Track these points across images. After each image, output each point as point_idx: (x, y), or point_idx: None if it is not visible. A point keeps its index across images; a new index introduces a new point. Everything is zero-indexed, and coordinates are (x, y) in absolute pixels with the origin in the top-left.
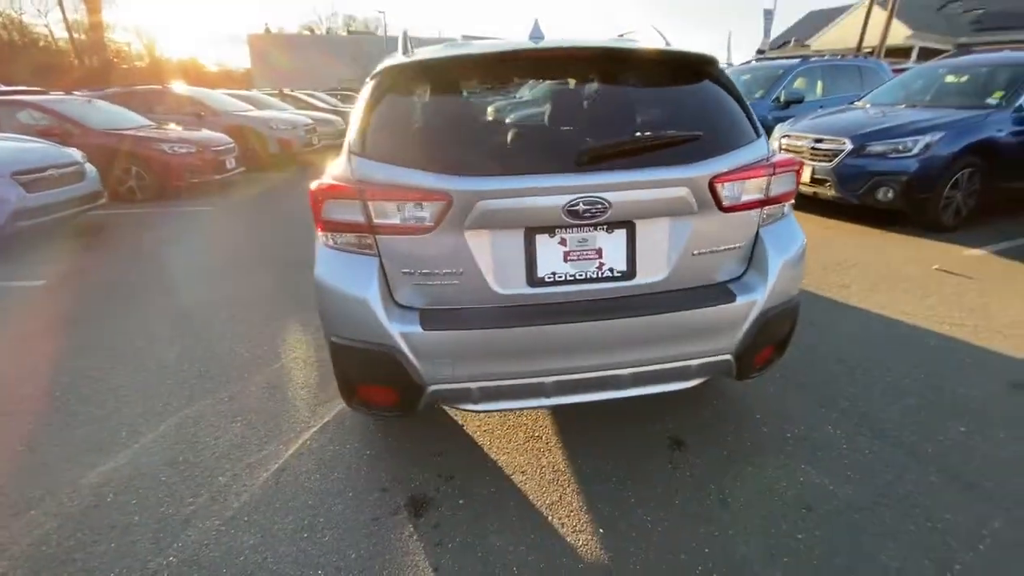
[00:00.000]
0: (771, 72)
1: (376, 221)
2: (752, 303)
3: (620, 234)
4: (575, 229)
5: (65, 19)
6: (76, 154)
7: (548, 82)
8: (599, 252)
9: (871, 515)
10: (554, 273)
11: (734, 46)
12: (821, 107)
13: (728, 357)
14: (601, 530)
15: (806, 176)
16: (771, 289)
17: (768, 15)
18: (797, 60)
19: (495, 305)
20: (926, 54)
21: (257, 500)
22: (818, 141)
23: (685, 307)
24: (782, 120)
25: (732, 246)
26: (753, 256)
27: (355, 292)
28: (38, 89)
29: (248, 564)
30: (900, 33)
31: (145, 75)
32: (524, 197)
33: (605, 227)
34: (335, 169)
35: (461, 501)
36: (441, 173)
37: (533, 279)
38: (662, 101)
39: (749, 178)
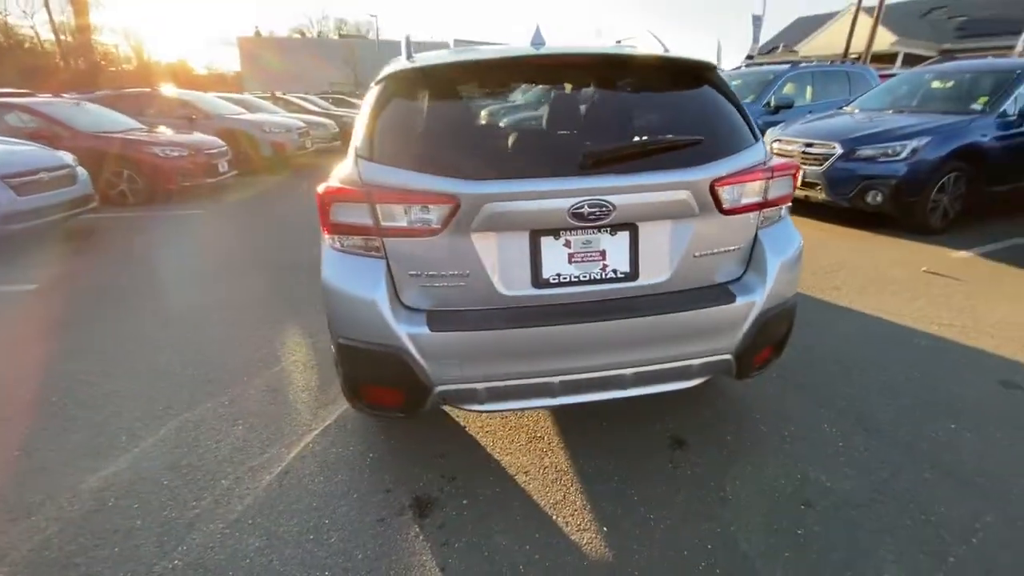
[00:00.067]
0: (761, 77)
1: (384, 224)
2: (752, 304)
3: (623, 236)
4: (579, 231)
5: (52, 20)
6: (67, 157)
7: (552, 87)
8: (603, 254)
9: (868, 511)
10: (559, 274)
11: (723, 52)
12: (810, 112)
13: (728, 357)
14: (605, 528)
15: (797, 180)
16: (770, 290)
17: (757, 21)
18: (787, 65)
19: (501, 306)
20: (911, 60)
21: (261, 503)
22: (809, 145)
23: (687, 308)
24: (772, 125)
25: (732, 248)
26: (752, 258)
27: (363, 294)
28: (25, 91)
29: (254, 567)
30: (885, 39)
31: (133, 78)
32: (530, 200)
33: (609, 229)
34: (342, 173)
35: (465, 501)
36: (449, 176)
37: (538, 280)
38: (663, 106)
39: (748, 181)
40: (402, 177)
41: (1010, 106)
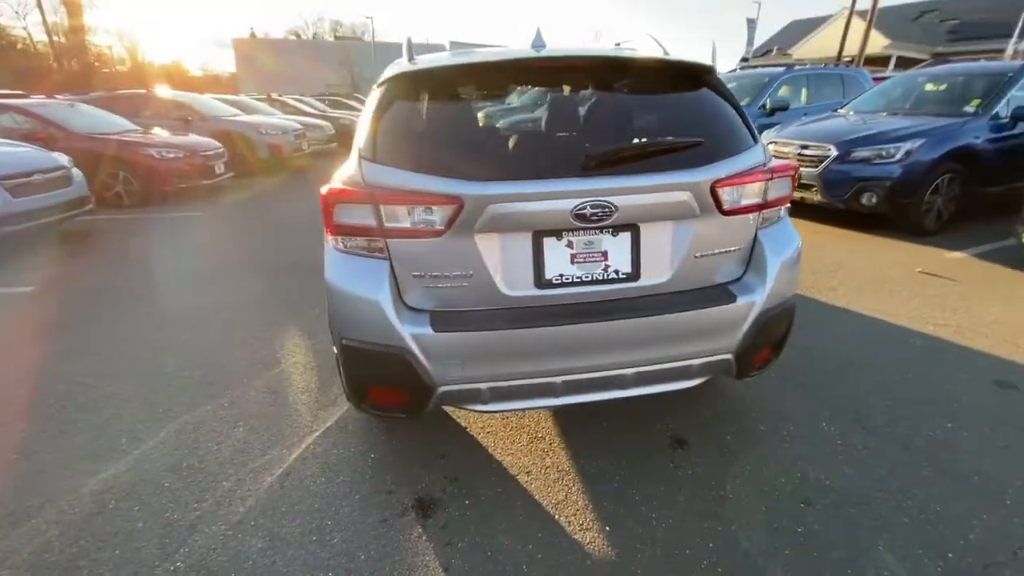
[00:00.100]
0: (757, 80)
1: (387, 225)
2: (752, 304)
3: (625, 237)
4: (582, 232)
5: (45, 21)
6: (62, 159)
7: (553, 89)
8: (605, 254)
9: (867, 508)
10: (561, 275)
11: (718, 54)
12: (805, 114)
13: (729, 357)
14: (607, 528)
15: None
16: (770, 290)
17: (751, 24)
18: (782, 68)
19: (503, 307)
20: (904, 63)
21: (263, 504)
22: (804, 147)
23: (688, 308)
24: (768, 127)
25: (732, 248)
26: (752, 258)
27: (367, 294)
28: (19, 92)
29: (257, 568)
30: (878, 43)
31: (127, 79)
32: (533, 201)
33: (611, 230)
34: (344, 174)
35: (467, 502)
36: (452, 178)
37: (541, 281)
38: (663, 108)
39: (748, 183)
40: (406, 178)
41: (1002, 108)
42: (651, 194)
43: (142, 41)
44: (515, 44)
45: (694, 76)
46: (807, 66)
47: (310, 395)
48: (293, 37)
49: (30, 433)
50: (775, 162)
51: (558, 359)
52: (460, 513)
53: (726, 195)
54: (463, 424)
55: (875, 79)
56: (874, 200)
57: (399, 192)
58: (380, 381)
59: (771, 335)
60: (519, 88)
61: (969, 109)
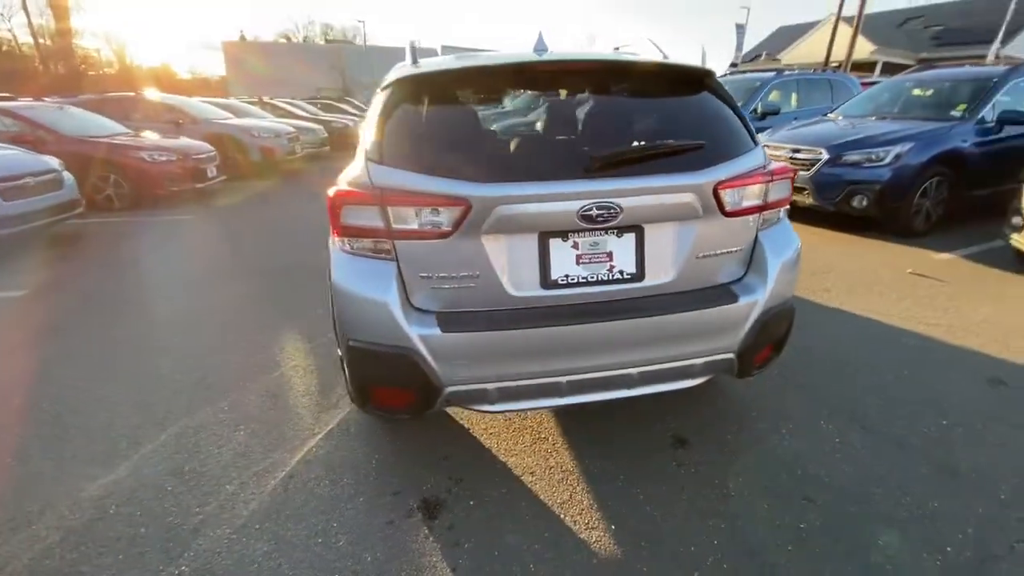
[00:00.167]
0: (748, 84)
1: (395, 226)
2: (753, 303)
3: (629, 238)
4: (587, 233)
5: (30, 23)
6: (53, 162)
7: (558, 93)
8: (610, 255)
9: (867, 505)
10: (567, 275)
11: (707, 59)
12: (795, 119)
13: (731, 356)
14: (613, 527)
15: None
16: (771, 290)
17: (740, 30)
18: (772, 73)
19: (510, 307)
20: (889, 68)
21: (267, 508)
22: (796, 151)
23: (691, 308)
24: (759, 131)
25: (734, 249)
26: (752, 259)
27: (374, 296)
28: (5, 95)
29: (263, 571)
30: (865, 48)
31: (115, 82)
32: (540, 203)
33: (616, 231)
34: (350, 175)
35: (473, 503)
36: (460, 179)
37: (547, 281)
38: (665, 111)
39: (749, 184)
40: (414, 180)
41: (988, 113)
42: (656, 195)
43: (130, 44)
44: (506, 49)
45: (695, 80)
46: (796, 71)
47: (311, 398)
48: (283, 40)
49: (25, 438)
50: (774, 164)
51: (564, 359)
52: (466, 514)
53: (728, 197)
54: (466, 425)
55: (863, 84)
56: (864, 203)
57: (407, 194)
58: (387, 382)
59: (772, 334)
60: (524, 92)
61: (956, 113)
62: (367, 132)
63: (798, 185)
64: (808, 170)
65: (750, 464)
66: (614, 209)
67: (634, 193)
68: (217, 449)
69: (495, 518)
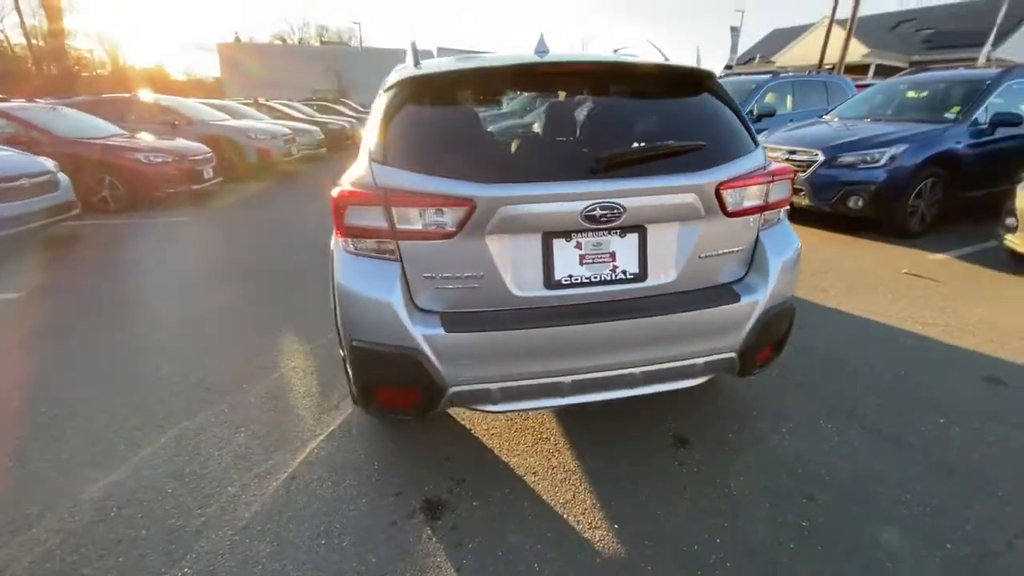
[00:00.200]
0: (744, 86)
1: (399, 227)
2: (755, 303)
3: (632, 238)
4: (591, 233)
5: (23, 24)
6: (48, 163)
7: (562, 94)
8: (613, 255)
9: (867, 503)
10: (570, 276)
11: (701, 61)
12: (791, 120)
13: (732, 355)
14: (616, 526)
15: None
16: (772, 290)
17: (735, 32)
18: (768, 75)
19: (514, 307)
20: (882, 71)
21: (269, 509)
22: (792, 152)
23: (694, 307)
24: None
25: (735, 249)
26: (754, 259)
27: (379, 296)
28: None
29: (267, 572)
30: (858, 51)
31: (108, 83)
32: (544, 203)
33: (619, 231)
34: (353, 176)
35: (476, 503)
36: (464, 180)
37: (550, 282)
38: (667, 112)
39: (751, 185)
40: (418, 180)
41: (981, 115)
42: (658, 196)
43: (123, 45)
44: (502, 50)
45: (696, 81)
46: (791, 73)
47: (311, 399)
48: (278, 42)
49: (24, 441)
50: (774, 165)
51: (567, 359)
52: (469, 514)
53: (730, 197)
54: (467, 426)
55: (858, 86)
56: (860, 204)
57: (411, 194)
58: (391, 382)
59: (773, 334)
60: (528, 93)
61: (950, 116)
62: (370, 133)
63: (795, 186)
64: (804, 171)
65: (751, 463)
66: (617, 209)
67: (637, 193)
68: (218, 451)
69: (498, 518)
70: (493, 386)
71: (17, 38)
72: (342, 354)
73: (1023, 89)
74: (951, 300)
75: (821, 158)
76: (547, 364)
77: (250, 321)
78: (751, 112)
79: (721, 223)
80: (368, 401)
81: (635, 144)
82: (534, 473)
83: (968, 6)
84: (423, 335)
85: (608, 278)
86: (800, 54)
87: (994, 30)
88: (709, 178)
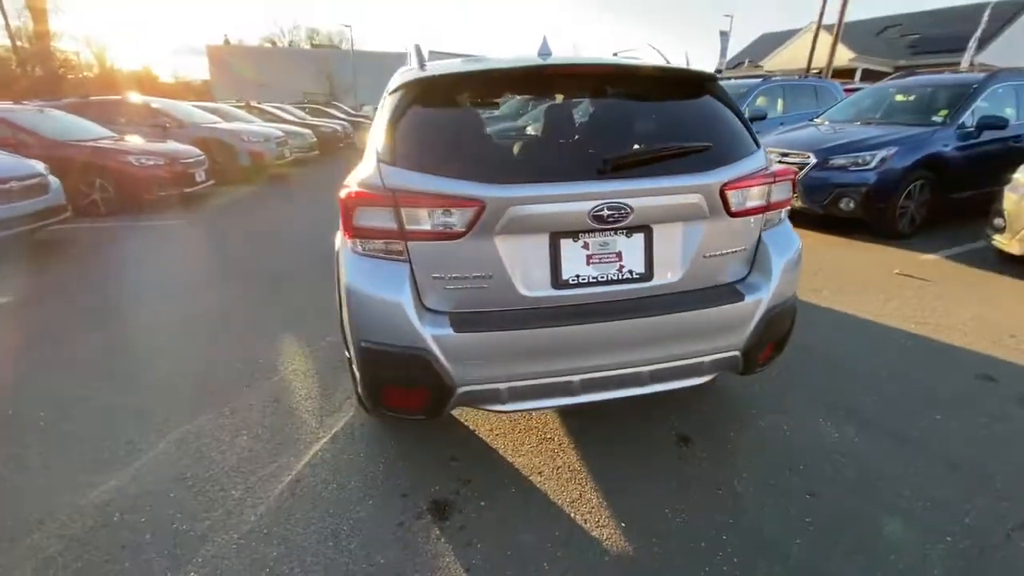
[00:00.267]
0: (735, 90)
1: (408, 227)
2: (759, 302)
3: (638, 238)
4: (597, 233)
5: (8, 25)
6: (39, 166)
7: (568, 95)
8: (619, 255)
9: (869, 498)
10: (578, 275)
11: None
12: (782, 123)
13: (737, 353)
14: (623, 524)
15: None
16: (775, 289)
17: (724, 37)
18: (759, 79)
19: (521, 307)
20: (868, 75)
21: (275, 512)
22: (784, 155)
23: (698, 306)
24: None
25: (738, 249)
26: (756, 258)
27: (388, 296)
28: None
29: (275, 575)
30: (844, 55)
31: (95, 85)
32: (553, 203)
33: (625, 231)
34: (360, 177)
35: (483, 503)
36: (473, 180)
37: (558, 281)
38: (672, 114)
39: (754, 186)
40: (427, 181)
41: (968, 118)
42: (665, 196)
43: (110, 47)
44: (490, 54)
45: (699, 83)
46: (779, 77)
47: (313, 402)
48: (268, 44)
49: (22, 447)
50: (776, 166)
51: (575, 358)
52: (477, 514)
53: (734, 197)
54: (471, 427)
55: (846, 90)
56: (851, 205)
57: (420, 195)
58: (400, 383)
59: (775, 332)
60: (532, 95)
61: (937, 119)
62: (377, 134)
63: None
64: (796, 174)
65: (753, 461)
66: (624, 209)
67: (644, 194)
68: (220, 455)
69: (506, 518)
70: (502, 386)
71: (1, 39)
72: (347, 355)
73: (1008, 93)
74: (942, 299)
75: (813, 160)
76: (555, 363)
77: (248, 324)
78: None
79: (725, 223)
80: (376, 402)
81: (640, 145)
82: (540, 473)
83: (952, 12)
84: (432, 335)
85: (615, 278)
86: (788, 58)
87: (977, 35)
88: (714, 178)
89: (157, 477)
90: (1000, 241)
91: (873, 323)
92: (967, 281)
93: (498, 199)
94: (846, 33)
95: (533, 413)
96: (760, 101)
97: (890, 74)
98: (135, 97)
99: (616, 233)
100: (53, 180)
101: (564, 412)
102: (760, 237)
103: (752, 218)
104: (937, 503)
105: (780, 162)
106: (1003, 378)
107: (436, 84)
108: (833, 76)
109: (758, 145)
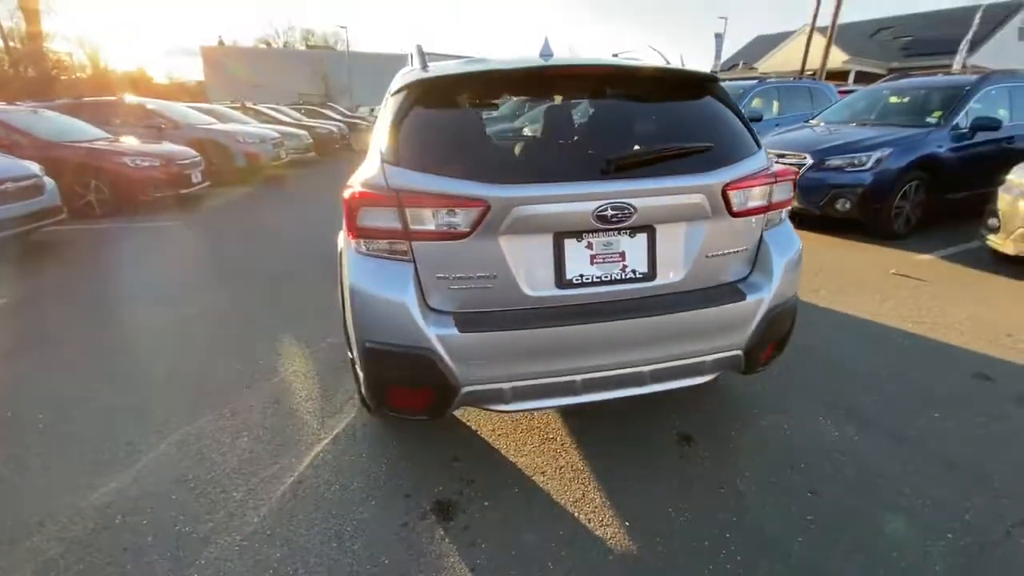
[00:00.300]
0: (731, 92)
1: (412, 227)
2: (760, 301)
3: (641, 238)
4: (601, 233)
5: (0, 27)
6: (34, 167)
7: (571, 96)
8: (622, 255)
9: (869, 496)
10: (581, 275)
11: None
12: (778, 125)
13: (739, 353)
14: (627, 523)
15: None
16: (776, 288)
17: (719, 39)
18: (755, 81)
19: (525, 307)
20: (862, 77)
21: (277, 513)
22: (781, 156)
23: (701, 306)
24: None
25: (740, 249)
26: (757, 258)
27: (393, 296)
28: None
29: None
30: (838, 58)
31: (88, 86)
32: (557, 203)
33: (628, 231)
34: (364, 177)
35: (487, 503)
36: (478, 181)
37: (562, 281)
38: (675, 114)
39: (755, 186)
40: (432, 181)
41: (962, 120)
42: (668, 196)
43: (104, 48)
44: (485, 55)
45: (700, 85)
46: (774, 79)
47: (314, 403)
48: (263, 46)
49: (20, 449)
50: (777, 167)
51: (579, 358)
52: (481, 514)
53: (736, 198)
54: (473, 427)
55: (840, 92)
56: (847, 206)
57: (425, 195)
58: (404, 383)
59: (777, 331)
60: (536, 96)
61: (932, 120)
62: (381, 135)
63: None
64: None
65: (754, 460)
66: (628, 209)
67: (648, 194)
68: (221, 456)
69: (510, 518)
70: (505, 385)
71: None
72: (350, 356)
73: (1001, 95)
74: (938, 299)
75: (809, 161)
76: (559, 363)
77: (246, 325)
78: None
79: (727, 223)
80: (381, 402)
81: (642, 146)
82: (542, 473)
83: (944, 14)
84: (437, 335)
85: (618, 277)
86: (782, 60)
87: (968, 37)
88: (717, 179)
89: (158, 479)
90: (994, 241)
91: (871, 323)
92: (962, 281)
93: (503, 199)
94: (839, 35)
95: (535, 413)
96: (756, 103)
97: (883, 76)
98: (130, 98)
99: (620, 233)
100: (48, 181)
101: (566, 412)
102: (761, 237)
103: (753, 218)
104: (936, 501)
105: (776, 163)
106: (1000, 377)
107: (440, 85)
108: (827, 78)
109: (759, 146)
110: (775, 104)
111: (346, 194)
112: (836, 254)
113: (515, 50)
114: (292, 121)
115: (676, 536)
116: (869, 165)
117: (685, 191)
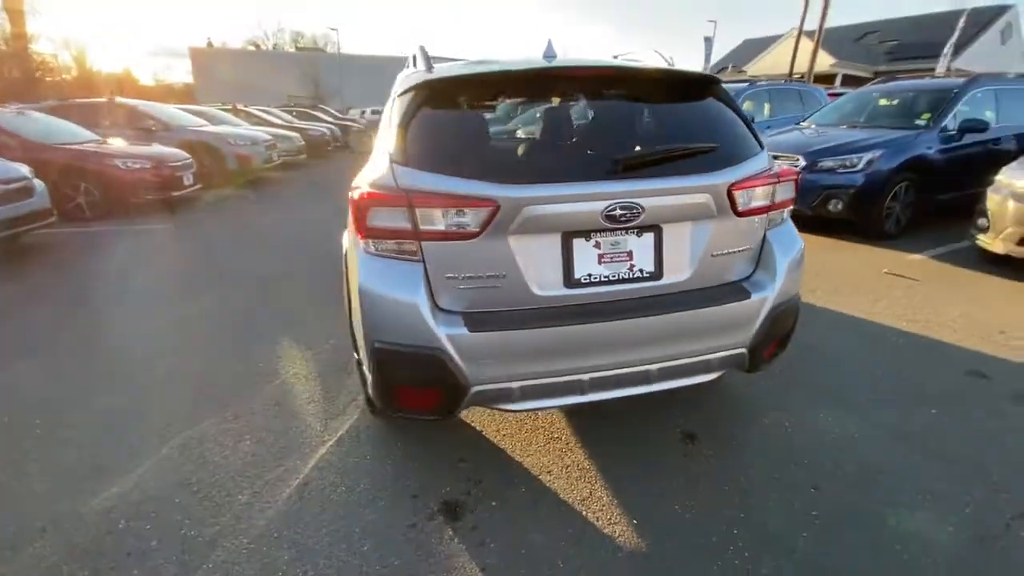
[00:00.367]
0: None
1: (422, 227)
2: (764, 299)
3: (648, 237)
4: (609, 233)
5: None
6: (24, 169)
7: (576, 97)
8: (630, 254)
9: (871, 491)
10: (589, 275)
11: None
12: (769, 127)
13: (743, 351)
14: (634, 521)
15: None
16: (779, 287)
17: (708, 42)
18: (746, 83)
19: (534, 306)
20: (848, 80)
21: (284, 516)
22: (774, 158)
23: (707, 304)
24: None
25: (744, 248)
26: (761, 257)
27: (403, 297)
28: None
29: None
30: (825, 61)
31: (74, 88)
32: (566, 203)
33: (636, 231)
34: (371, 178)
35: (494, 503)
36: (488, 181)
37: (570, 281)
38: (678, 115)
39: (759, 186)
40: (441, 182)
41: (950, 122)
42: (675, 196)
43: (90, 49)
44: (482, 57)
45: (703, 86)
46: (764, 82)
47: (316, 405)
48: (252, 47)
49: (19, 455)
50: (779, 167)
51: (587, 357)
52: (489, 514)
53: (740, 197)
54: (479, 428)
55: (830, 95)
56: (839, 206)
57: (435, 195)
58: (414, 383)
59: (780, 329)
60: (541, 97)
61: (920, 122)
62: (388, 135)
63: None
64: None
65: (758, 457)
66: (636, 209)
67: (655, 194)
68: (224, 459)
69: (518, 518)
70: (514, 385)
71: None
72: (357, 357)
73: (988, 97)
74: (931, 298)
75: (802, 163)
76: (567, 362)
77: (245, 327)
78: None
79: (731, 222)
80: (389, 403)
81: (649, 146)
82: (549, 472)
83: (929, 18)
84: (447, 335)
85: (625, 277)
86: (770, 63)
87: (952, 41)
88: (722, 179)
89: (161, 483)
90: (984, 241)
91: (867, 321)
92: (953, 280)
93: (513, 199)
94: (826, 39)
95: (539, 413)
96: (747, 105)
97: (870, 79)
98: (120, 99)
99: (627, 232)
100: (38, 184)
101: (570, 412)
102: (765, 236)
103: (757, 217)
104: (936, 496)
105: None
106: (995, 374)
107: (447, 86)
108: (814, 81)
109: (762, 146)
110: (766, 107)
111: (354, 194)
112: (829, 254)
113: (514, 52)
114: (284, 124)
115: (684, 532)
116: (860, 167)
117: (691, 191)
